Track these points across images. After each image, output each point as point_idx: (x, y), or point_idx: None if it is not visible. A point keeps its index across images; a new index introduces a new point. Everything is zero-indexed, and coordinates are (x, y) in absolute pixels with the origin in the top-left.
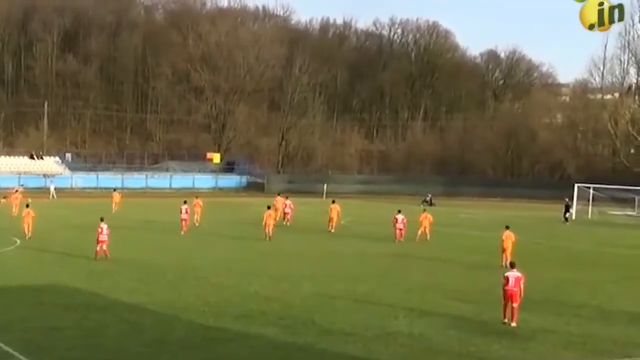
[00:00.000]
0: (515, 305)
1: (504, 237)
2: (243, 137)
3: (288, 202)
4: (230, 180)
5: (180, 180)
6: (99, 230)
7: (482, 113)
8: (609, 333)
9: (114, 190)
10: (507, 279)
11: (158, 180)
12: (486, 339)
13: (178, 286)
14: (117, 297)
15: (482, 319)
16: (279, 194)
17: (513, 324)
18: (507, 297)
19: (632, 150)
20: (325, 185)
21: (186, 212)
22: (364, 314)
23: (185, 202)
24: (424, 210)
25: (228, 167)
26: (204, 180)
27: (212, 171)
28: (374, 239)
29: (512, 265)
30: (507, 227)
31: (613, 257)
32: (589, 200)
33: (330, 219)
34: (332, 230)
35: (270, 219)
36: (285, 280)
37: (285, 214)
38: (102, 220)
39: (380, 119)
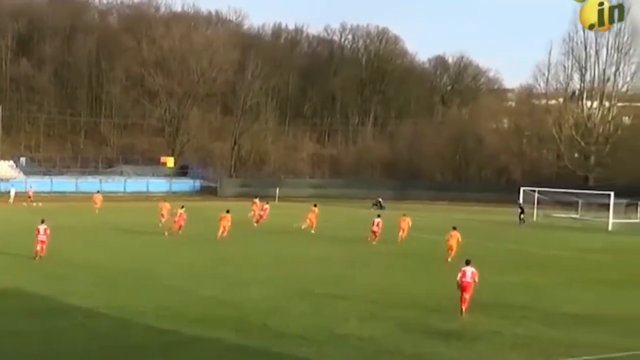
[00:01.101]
0: (467, 296)
1: (450, 236)
2: (196, 141)
3: (267, 206)
4: (184, 185)
5: (135, 184)
6: (37, 231)
7: (431, 118)
8: (554, 334)
9: (97, 192)
10: (464, 273)
11: (112, 184)
12: (435, 341)
13: (134, 290)
14: (74, 302)
15: (431, 321)
16: (256, 197)
17: (464, 314)
18: (462, 289)
19: (576, 155)
20: (277, 190)
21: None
22: (317, 318)
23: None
24: (404, 214)
25: (182, 171)
26: (157, 184)
27: (166, 175)
28: (328, 242)
29: (468, 262)
30: (454, 228)
31: (557, 259)
32: (534, 203)
33: (310, 221)
34: (313, 231)
35: (226, 221)
36: (241, 284)
37: (260, 216)
38: (42, 222)
39: (331, 123)
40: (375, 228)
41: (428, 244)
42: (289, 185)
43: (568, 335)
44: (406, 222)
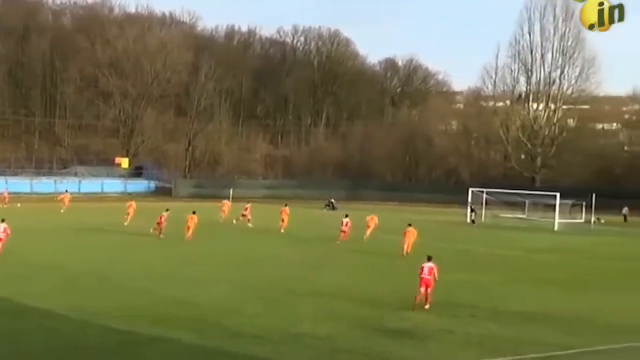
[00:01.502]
0: (429, 290)
1: (406, 232)
2: (151, 142)
3: (248, 205)
4: (139, 185)
5: (89, 185)
6: None
7: (382, 119)
8: (503, 332)
9: (65, 191)
10: (422, 269)
11: (67, 185)
12: (388, 340)
13: (93, 291)
14: (31, 303)
15: (384, 320)
16: (226, 198)
17: (426, 307)
18: (422, 284)
19: (522, 156)
20: (231, 190)
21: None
22: (273, 317)
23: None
24: (371, 213)
25: (136, 172)
26: (112, 185)
27: (121, 176)
28: (287, 243)
29: (429, 259)
30: (410, 225)
31: (505, 259)
32: (482, 204)
33: (282, 221)
34: (282, 231)
35: (192, 221)
36: (198, 284)
37: (242, 216)
38: (2, 220)
39: (284, 124)
40: (344, 228)
41: (384, 244)
42: (243, 186)
43: (516, 333)
44: (373, 221)
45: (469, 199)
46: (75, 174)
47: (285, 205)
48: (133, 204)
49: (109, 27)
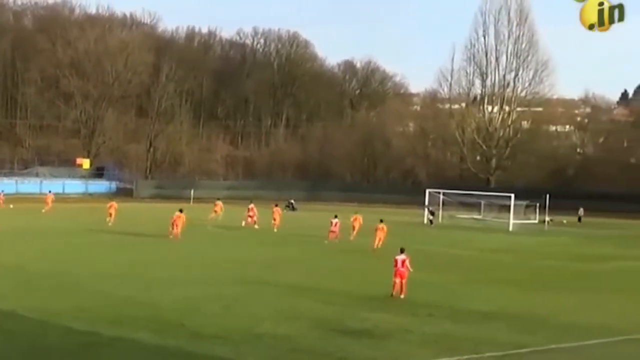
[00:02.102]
0: (403, 281)
1: (377, 228)
2: (112, 143)
3: (252, 205)
4: (100, 186)
5: (51, 185)
6: None
7: (341, 121)
8: (460, 331)
9: (49, 192)
10: (395, 261)
11: (28, 185)
12: (347, 339)
13: (53, 292)
14: None
15: (344, 320)
16: (218, 199)
17: (402, 296)
18: (397, 275)
19: (478, 158)
20: (192, 191)
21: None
22: (233, 318)
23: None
24: (355, 212)
25: (97, 172)
26: (74, 186)
27: (82, 177)
28: (247, 243)
29: (402, 251)
30: (381, 221)
31: (462, 259)
32: (439, 204)
33: (274, 220)
34: (275, 230)
35: (180, 220)
36: (158, 285)
37: (249, 217)
38: None
39: (244, 126)
40: (333, 228)
41: (349, 244)
42: (204, 187)
43: (474, 332)
44: (358, 222)
45: (426, 201)
46: (37, 175)
47: (276, 205)
48: (114, 204)
49: (70, 27)
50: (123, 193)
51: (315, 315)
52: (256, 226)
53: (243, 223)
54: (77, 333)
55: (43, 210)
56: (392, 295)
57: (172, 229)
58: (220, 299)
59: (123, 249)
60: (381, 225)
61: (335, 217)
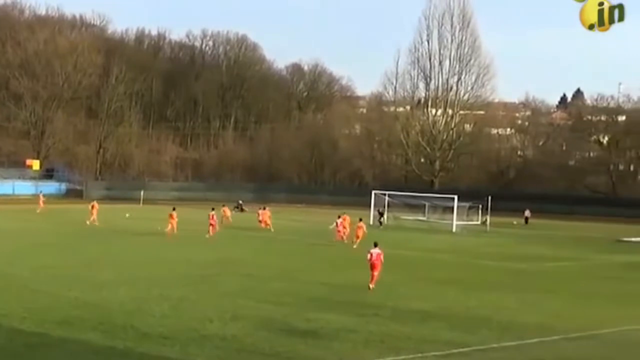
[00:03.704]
0: (376, 273)
1: (357, 227)
2: (62, 144)
3: (263, 210)
4: (50, 187)
5: (0, 186)
6: None
7: (288, 123)
8: (404, 331)
9: (40, 193)
10: (371, 254)
11: None
12: (293, 340)
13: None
14: None
15: (290, 320)
16: (223, 205)
17: (371, 286)
18: (371, 267)
19: (422, 160)
20: (142, 192)
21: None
22: (181, 318)
23: (213, 209)
24: (343, 212)
25: (47, 174)
26: (24, 187)
27: (32, 178)
28: (195, 244)
29: (375, 245)
30: (360, 219)
31: (406, 259)
32: (385, 206)
33: (264, 222)
34: (272, 230)
35: (174, 219)
36: (105, 286)
37: (264, 223)
38: None
39: (193, 127)
40: (340, 228)
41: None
42: (153, 189)
43: (417, 331)
44: (347, 221)
45: (372, 202)
46: None
47: (264, 208)
48: (95, 204)
49: (20, 28)
50: (73, 194)
51: (262, 315)
52: (271, 229)
53: (207, 236)
54: (25, 334)
55: (37, 211)
56: (369, 288)
57: (169, 227)
58: (168, 299)
59: (72, 250)
60: (360, 224)
61: (339, 217)
